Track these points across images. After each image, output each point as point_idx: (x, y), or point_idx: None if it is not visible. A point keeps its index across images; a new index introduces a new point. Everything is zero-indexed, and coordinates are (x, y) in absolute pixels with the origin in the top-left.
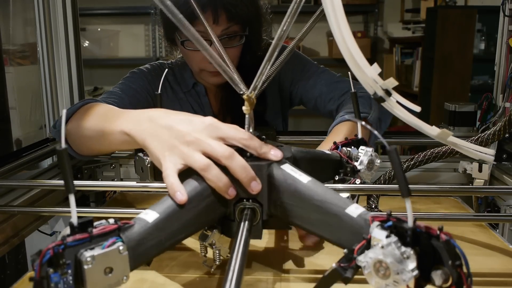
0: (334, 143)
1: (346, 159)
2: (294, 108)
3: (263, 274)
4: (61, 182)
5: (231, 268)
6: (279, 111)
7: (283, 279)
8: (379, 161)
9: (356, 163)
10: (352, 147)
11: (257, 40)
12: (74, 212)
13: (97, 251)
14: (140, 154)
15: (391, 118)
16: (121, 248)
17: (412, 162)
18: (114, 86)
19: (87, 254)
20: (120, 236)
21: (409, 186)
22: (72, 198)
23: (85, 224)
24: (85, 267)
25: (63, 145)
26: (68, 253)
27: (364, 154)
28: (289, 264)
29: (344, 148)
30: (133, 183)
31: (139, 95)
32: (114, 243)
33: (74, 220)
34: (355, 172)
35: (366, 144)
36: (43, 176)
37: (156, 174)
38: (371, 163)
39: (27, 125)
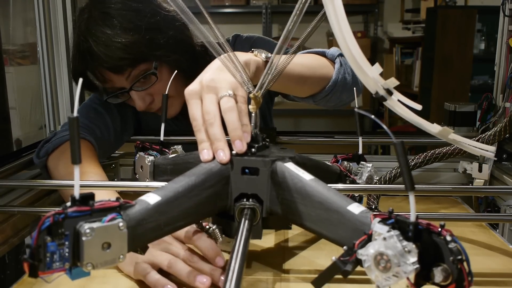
0: (335, 156)
1: (346, 173)
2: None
3: (263, 274)
4: (61, 182)
5: (231, 268)
6: (264, 110)
7: (283, 279)
8: (377, 177)
9: (355, 177)
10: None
11: (186, 58)
12: (77, 184)
13: (96, 224)
14: (141, 153)
15: (358, 90)
16: (121, 224)
17: (412, 163)
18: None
19: (87, 226)
20: (120, 214)
21: None
22: (77, 170)
23: (87, 198)
24: (84, 238)
25: (75, 113)
26: (68, 224)
27: (363, 169)
28: (289, 264)
29: (344, 162)
30: (133, 183)
31: (109, 114)
32: (114, 218)
33: (76, 193)
34: None
35: (365, 160)
36: (43, 176)
37: (156, 173)
38: (370, 178)
39: (27, 125)
